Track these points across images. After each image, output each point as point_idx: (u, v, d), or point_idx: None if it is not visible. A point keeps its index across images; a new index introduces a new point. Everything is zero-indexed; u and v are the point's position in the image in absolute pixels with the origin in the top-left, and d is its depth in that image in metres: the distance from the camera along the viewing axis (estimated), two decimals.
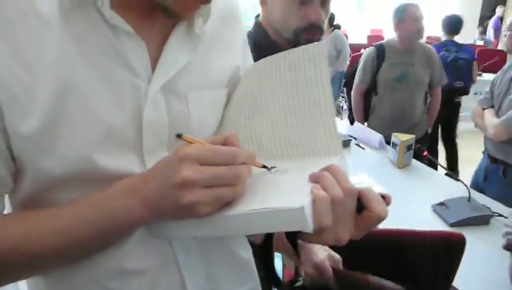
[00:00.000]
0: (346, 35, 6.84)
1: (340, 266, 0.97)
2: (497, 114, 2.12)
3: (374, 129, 2.55)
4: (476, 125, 2.27)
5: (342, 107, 5.66)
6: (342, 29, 5.54)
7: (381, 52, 2.74)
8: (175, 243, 0.60)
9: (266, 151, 0.57)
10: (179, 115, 0.57)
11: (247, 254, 0.72)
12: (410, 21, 2.61)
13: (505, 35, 2.21)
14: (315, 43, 0.59)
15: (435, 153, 3.58)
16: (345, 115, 5.08)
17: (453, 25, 3.55)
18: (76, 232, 0.50)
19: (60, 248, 0.49)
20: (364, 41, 7.58)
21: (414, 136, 2.20)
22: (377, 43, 2.91)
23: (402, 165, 2.15)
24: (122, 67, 0.53)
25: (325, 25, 4.17)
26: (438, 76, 2.83)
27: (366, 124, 2.89)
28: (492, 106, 2.20)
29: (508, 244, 0.86)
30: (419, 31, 2.65)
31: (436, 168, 2.34)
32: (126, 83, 0.53)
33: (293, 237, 0.54)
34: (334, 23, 4.90)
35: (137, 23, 0.53)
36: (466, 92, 3.65)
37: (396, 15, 2.67)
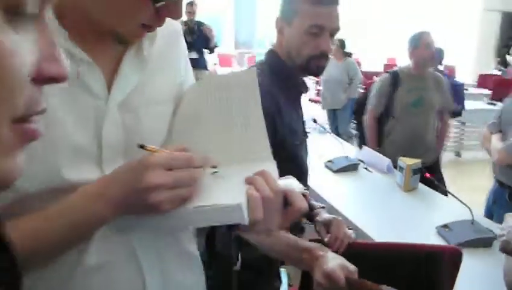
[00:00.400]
0: (359, 63, 6.94)
1: (356, 276, 1.02)
2: (504, 139, 2.16)
3: (388, 153, 2.59)
4: (485, 149, 2.32)
5: (356, 134, 5.69)
6: (357, 57, 5.66)
7: (396, 78, 2.83)
8: (135, 242, 0.67)
9: (215, 157, 0.66)
10: (132, 128, 0.66)
11: (194, 249, 0.82)
12: (424, 48, 2.72)
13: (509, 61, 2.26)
14: (248, 69, 0.71)
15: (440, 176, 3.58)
16: (357, 141, 5.11)
17: (437, 55, 3.81)
18: (46, 239, 0.57)
19: (35, 251, 0.55)
20: (380, 69, 7.65)
21: (420, 160, 2.23)
22: (391, 70, 2.99)
23: (408, 188, 2.17)
24: (83, 92, 0.62)
25: (339, 52, 4.27)
26: (448, 102, 2.91)
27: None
28: (501, 131, 2.24)
29: (502, 247, 0.89)
30: (432, 57, 2.73)
31: (445, 194, 2.35)
32: (88, 105, 0.63)
33: (233, 229, 0.67)
34: (346, 51, 4.99)
35: (93, 51, 0.61)
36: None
37: (412, 42, 2.78)
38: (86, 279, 0.65)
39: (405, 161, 2.18)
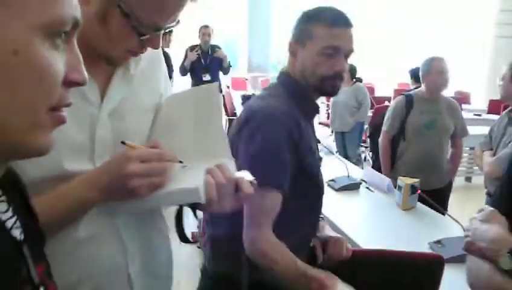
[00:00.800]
0: (373, 88, 7.00)
1: None
2: (494, 155, 2.30)
3: (401, 175, 2.60)
4: (477, 165, 2.46)
5: (365, 157, 5.74)
6: (369, 82, 5.75)
7: (410, 101, 2.92)
8: (118, 219, 0.84)
9: (184, 155, 0.82)
10: (120, 131, 0.83)
11: (165, 229, 1.01)
12: (435, 73, 2.80)
13: (499, 85, 2.36)
14: (211, 84, 0.88)
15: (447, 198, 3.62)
16: (366, 164, 5.16)
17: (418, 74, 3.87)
18: (55, 212, 0.71)
19: (46, 224, 0.65)
20: (390, 94, 7.74)
21: (419, 179, 2.30)
22: (406, 92, 3.10)
23: (406, 207, 2.24)
24: (82, 100, 0.78)
25: (347, 77, 4.40)
26: (461, 127, 2.96)
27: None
28: (491, 148, 2.37)
29: (465, 247, 0.96)
30: (444, 82, 2.83)
31: (443, 213, 2.41)
32: (85, 111, 0.79)
33: (194, 207, 0.89)
34: (356, 76, 5.10)
35: (90, 69, 0.75)
36: None
37: (424, 67, 2.87)
38: (76, 249, 0.80)
39: (404, 181, 2.26)
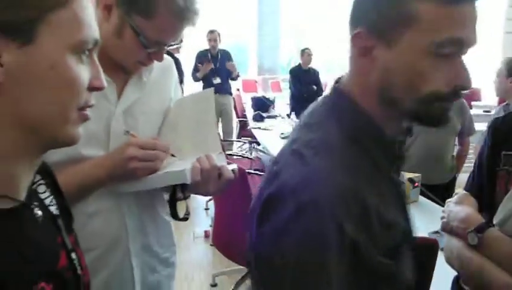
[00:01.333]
0: None
1: None
2: None
3: (405, 170, 2.73)
4: None
5: None
6: None
7: None
8: (120, 198, 1.00)
9: (182, 151, 1.01)
10: (131, 127, 1.00)
11: (164, 212, 1.14)
12: None
13: (494, 82, 2.43)
14: (207, 90, 1.05)
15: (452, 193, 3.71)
16: None
17: None
18: (70, 188, 0.81)
19: (67, 194, 0.76)
20: None
21: (420, 174, 2.39)
22: None
23: (408, 200, 2.33)
24: (102, 97, 0.95)
25: None
26: (468, 126, 3.02)
27: None
28: None
29: (442, 227, 1.06)
30: None
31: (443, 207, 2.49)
32: (103, 107, 0.96)
33: (183, 188, 1.02)
34: None
35: (110, 73, 0.92)
36: None
37: None
38: (85, 223, 0.96)
39: (405, 175, 2.34)
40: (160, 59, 1.00)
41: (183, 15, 0.93)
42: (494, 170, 1.02)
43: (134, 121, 1.02)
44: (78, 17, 0.51)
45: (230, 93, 6.01)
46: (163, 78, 1.10)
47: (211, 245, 3.37)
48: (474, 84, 5.37)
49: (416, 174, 2.36)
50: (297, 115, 5.30)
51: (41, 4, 0.48)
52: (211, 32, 5.60)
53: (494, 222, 0.91)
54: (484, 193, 1.03)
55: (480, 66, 9.73)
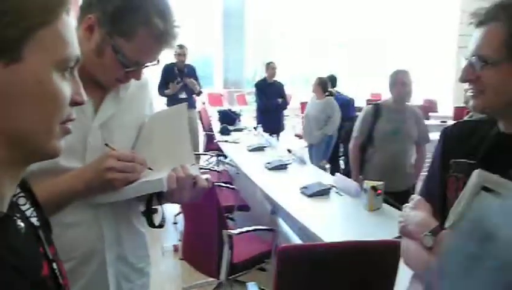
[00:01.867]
0: (353, 99, 7.10)
1: None
2: None
3: (369, 178, 2.79)
4: None
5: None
6: (349, 94, 5.94)
7: (377, 110, 3.18)
8: (98, 209, 1.03)
9: (157, 163, 1.03)
10: (107, 140, 1.02)
11: (143, 228, 1.18)
12: (399, 85, 3.08)
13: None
14: (180, 105, 1.09)
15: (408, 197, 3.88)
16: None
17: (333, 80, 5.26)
18: (48, 200, 0.82)
19: (45, 205, 0.76)
20: (363, 104, 8.03)
21: (383, 182, 2.49)
22: (374, 102, 3.37)
23: (372, 208, 2.42)
24: (80, 112, 0.94)
25: (319, 90, 4.61)
26: (423, 135, 3.21)
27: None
28: None
29: (400, 231, 1.11)
30: (407, 93, 3.10)
31: None
32: (81, 121, 0.97)
33: (159, 197, 1.05)
34: (329, 89, 5.25)
35: (87, 90, 0.95)
36: None
37: (390, 80, 3.15)
38: (62, 233, 0.95)
39: (369, 184, 2.44)
40: (138, 78, 1.05)
41: (163, 38, 0.98)
42: (445, 177, 1.07)
43: (110, 135, 1.05)
44: (62, 35, 0.53)
45: (195, 107, 6.04)
46: (139, 95, 1.15)
47: (180, 259, 3.35)
48: (432, 96, 5.72)
49: (380, 183, 2.46)
50: (264, 128, 5.38)
51: (27, 23, 0.50)
52: (180, 47, 5.61)
53: (446, 225, 0.97)
54: (436, 198, 1.08)
55: (437, 80, 10.23)
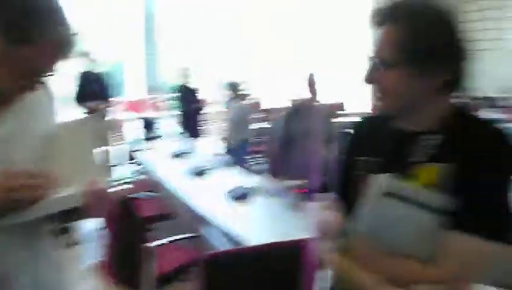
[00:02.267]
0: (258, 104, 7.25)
1: None
2: None
3: (288, 178, 2.84)
4: None
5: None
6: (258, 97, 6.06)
7: (292, 111, 3.34)
8: (9, 235, 0.98)
9: (65, 178, 0.97)
10: (9, 156, 0.97)
11: (50, 249, 1.13)
12: (309, 86, 3.23)
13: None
14: (86, 117, 1.10)
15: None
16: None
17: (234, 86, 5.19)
18: None
19: None
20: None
21: (307, 181, 2.56)
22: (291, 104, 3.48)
23: (297, 207, 2.47)
24: None
25: (233, 94, 4.62)
26: (331, 133, 3.37)
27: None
28: None
29: (312, 232, 1.14)
30: (313, 93, 3.27)
31: None
32: None
33: (73, 213, 1.01)
34: (239, 93, 5.26)
35: None
36: None
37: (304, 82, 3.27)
38: None
39: (289, 183, 2.49)
40: (39, 88, 1.01)
41: (63, 45, 0.97)
42: (351, 175, 1.07)
43: (12, 150, 1.00)
44: None
45: (112, 116, 5.80)
46: (39, 106, 1.10)
47: (100, 276, 3.17)
48: (338, 98, 6.00)
49: (298, 182, 2.52)
50: (184, 132, 5.30)
51: None
52: (89, 54, 5.38)
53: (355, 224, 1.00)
54: (345, 197, 1.09)
55: (343, 83, 10.80)
